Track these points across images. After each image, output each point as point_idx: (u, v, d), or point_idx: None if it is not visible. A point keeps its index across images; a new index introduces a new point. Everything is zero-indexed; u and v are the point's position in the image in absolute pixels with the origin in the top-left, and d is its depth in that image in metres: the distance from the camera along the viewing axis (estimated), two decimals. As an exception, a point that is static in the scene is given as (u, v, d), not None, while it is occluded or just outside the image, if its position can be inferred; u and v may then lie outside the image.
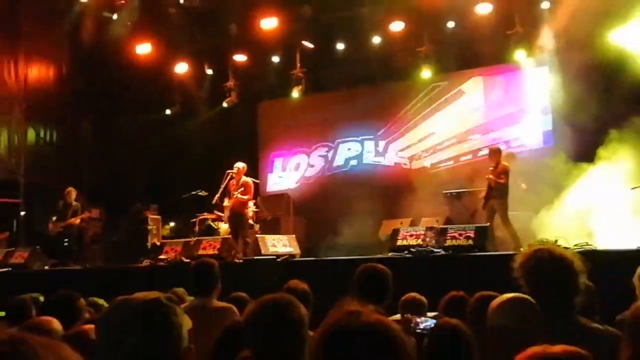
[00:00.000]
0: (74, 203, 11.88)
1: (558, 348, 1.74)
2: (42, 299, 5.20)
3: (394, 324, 1.55)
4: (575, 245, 7.28)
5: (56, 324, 2.95)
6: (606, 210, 8.53)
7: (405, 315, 4.14)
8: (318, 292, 4.49)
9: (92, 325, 2.72)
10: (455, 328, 2.92)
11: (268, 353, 2.22)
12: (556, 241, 3.67)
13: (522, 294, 2.55)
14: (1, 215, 13.99)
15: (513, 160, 11.57)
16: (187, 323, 1.85)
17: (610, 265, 5.41)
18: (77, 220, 11.83)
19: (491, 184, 10.17)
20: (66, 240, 11.86)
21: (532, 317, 2.42)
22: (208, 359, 3.04)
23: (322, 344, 1.53)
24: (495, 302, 2.56)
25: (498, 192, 10.13)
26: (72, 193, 11.94)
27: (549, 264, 2.68)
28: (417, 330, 3.61)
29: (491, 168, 10.29)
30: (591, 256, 3.56)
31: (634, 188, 8.24)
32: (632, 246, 7.15)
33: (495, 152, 10.63)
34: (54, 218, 11.81)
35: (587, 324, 2.73)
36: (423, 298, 4.59)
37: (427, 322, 4.03)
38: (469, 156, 13.84)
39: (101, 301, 4.59)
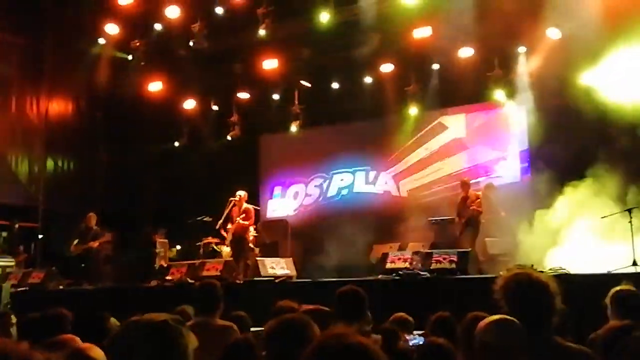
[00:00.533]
0: (94, 227, 11.81)
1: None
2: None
3: (372, 344, 1.58)
4: (550, 269, 7.28)
5: (79, 342, 2.90)
6: (579, 236, 8.52)
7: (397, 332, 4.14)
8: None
9: (89, 345, 2.69)
10: (442, 346, 2.92)
11: None
12: (532, 265, 3.67)
13: (508, 316, 2.54)
14: (20, 239, 13.94)
15: (493, 190, 11.65)
16: (193, 342, 1.85)
17: (582, 288, 5.38)
18: (96, 244, 11.72)
19: (473, 214, 10.31)
20: (84, 262, 11.78)
21: (517, 337, 2.40)
22: None
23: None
24: (483, 322, 2.54)
25: (475, 220, 10.31)
26: (93, 218, 11.90)
27: (527, 287, 2.68)
28: (407, 347, 3.61)
29: (463, 197, 10.60)
30: (564, 279, 3.54)
31: (604, 217, 8.23)
32: (603, 270, 7.14)
33: (465, 184, 11.18)
34: (76, 241, 11.71)
35: (562, 343, 2.72)
36: (410, 318, 4.60)
37: (415, 339, 4.03)
38: (453, 186, 13.86)
39: (113, 320, 4.53)
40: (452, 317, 3.92)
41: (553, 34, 11.45)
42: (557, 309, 2.69)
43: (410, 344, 3.79)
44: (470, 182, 11.62)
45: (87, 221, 11.84)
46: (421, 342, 3.78)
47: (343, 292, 4.02)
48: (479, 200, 10.71)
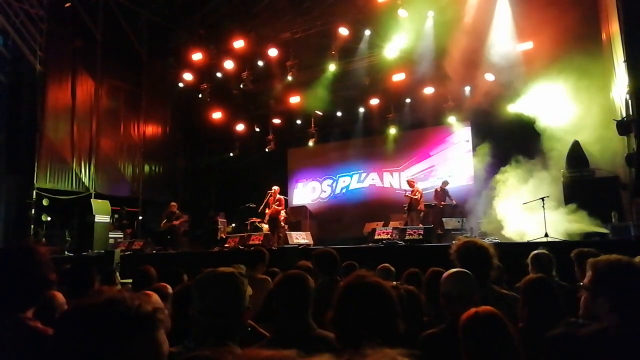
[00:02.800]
0: (176, 212, 11.83)
1: (485, 308, 1.71)
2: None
3: (384, 282, 1.67)
4: (487, 238, 7.18)
5: (169, 288, 2.94)
6: (508, 217, 8.39)
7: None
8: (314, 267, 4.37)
9: (165, 284, 2.72)
10: (412, 292, 2.88)
11: (288, 304, 2.15)
12: (475, 236, 3.59)
13: (462, 269, 2.48)
14: (128, 219, 14.06)
15: (446, 185, 11.47)
16: (249, 291, 1.83)
17: (511, 252, 5.28)
18: (177, 222, 11.75)
19: (411, 200, 10.31)
20: (169, 235, 11.83)
21: (470, 282, 2.33)
22: (259, 307, 2.96)
23: (345, 291, 1.62)
24: (446, 273, 2.49)
25: (415, 204, 10.25)
26: (174, 206, 11.89)
27: (474, 250, 2.62)
28: None
29: (411, 189, 10.47)
30: (498, 246, 3.47)
31: (525, 203, 8.10)
32: (524, 240, 7.05)
33: (410, 182, 11.09)
34: (164, 221, 11.78)
35: (497, 290, 2.66)
36: (392, 267, 4.51)
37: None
38: (419, 183, 13.78)
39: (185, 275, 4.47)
40: (419, 273, 3.86)
41: (489, 77, 11.34)
42: (495, 266, 2.64)
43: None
44: (415, 181, 11.38)
45: (171, 207, 11.86)
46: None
47: (319, 252, 3.81)
48: (419, 192, 10.59)
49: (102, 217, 12.05)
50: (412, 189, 10.72)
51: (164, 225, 11.72)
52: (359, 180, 15.19)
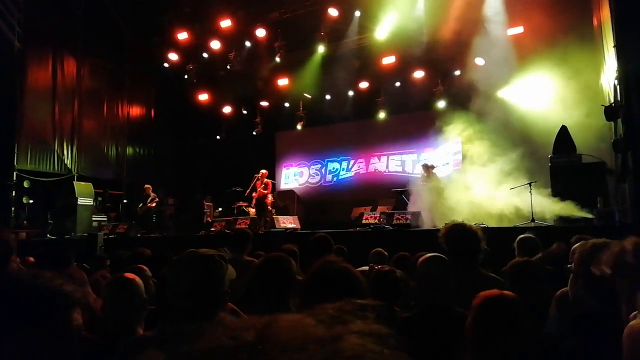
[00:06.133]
0: (151, 194, 11.76)
1: (506, 292, 1.68)
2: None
3: (352, 267, 1.62)
4: (474, 224, 7.22)
5: (147, 270, 2.94)
6: (496, 200, 8.47)
7: (371, 265, 4.14)
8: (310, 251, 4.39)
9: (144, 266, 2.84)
10: (393, 272, 2.90)
11: (267, 288, 2.13)
12: (462, 220, 3.60)
13: (448, 254, 2.47)
14: (112, 202, 13.90)
15: (433, 169, 11.38)
16: (230, 273, 1.79)
17: (498, 237, 5.33)
18: (153, 204, 11.72)
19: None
20: (149, 218, 11.76)
21: (443, 267, 2.33)
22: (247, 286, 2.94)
23: (313, 278, 1.58)
24: (421, 258, 2.49)
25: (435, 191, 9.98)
26: (149, 188, 11.86)
27: (463, 233, 2.63)
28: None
29: (425, 176, 10.25)
30: (486, 231, 3.50)
31: (512, 188, 8.18)
32: (510, 225, 7.13)
33: (427, 167, 10.57)
34: (140, 204, 11.73)
35: (484, 273, 2.68)
36: (384, 251, 4.55)
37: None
38: (409, 167, 13.82)
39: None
40: (407, 256, 3.88)
41: (479, 61, 11.31)
42: (482, 250, 2.64)
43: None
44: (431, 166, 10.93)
45: (145, 190, 11.83)
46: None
47: (317, 237, 3.93)
48: (435, 178, 10.33)
49: (85, 200, 11.88)
50: (426, 174, 10.44)
51: (140, 209, 11.69)
52: (348, 165, 15.17)
